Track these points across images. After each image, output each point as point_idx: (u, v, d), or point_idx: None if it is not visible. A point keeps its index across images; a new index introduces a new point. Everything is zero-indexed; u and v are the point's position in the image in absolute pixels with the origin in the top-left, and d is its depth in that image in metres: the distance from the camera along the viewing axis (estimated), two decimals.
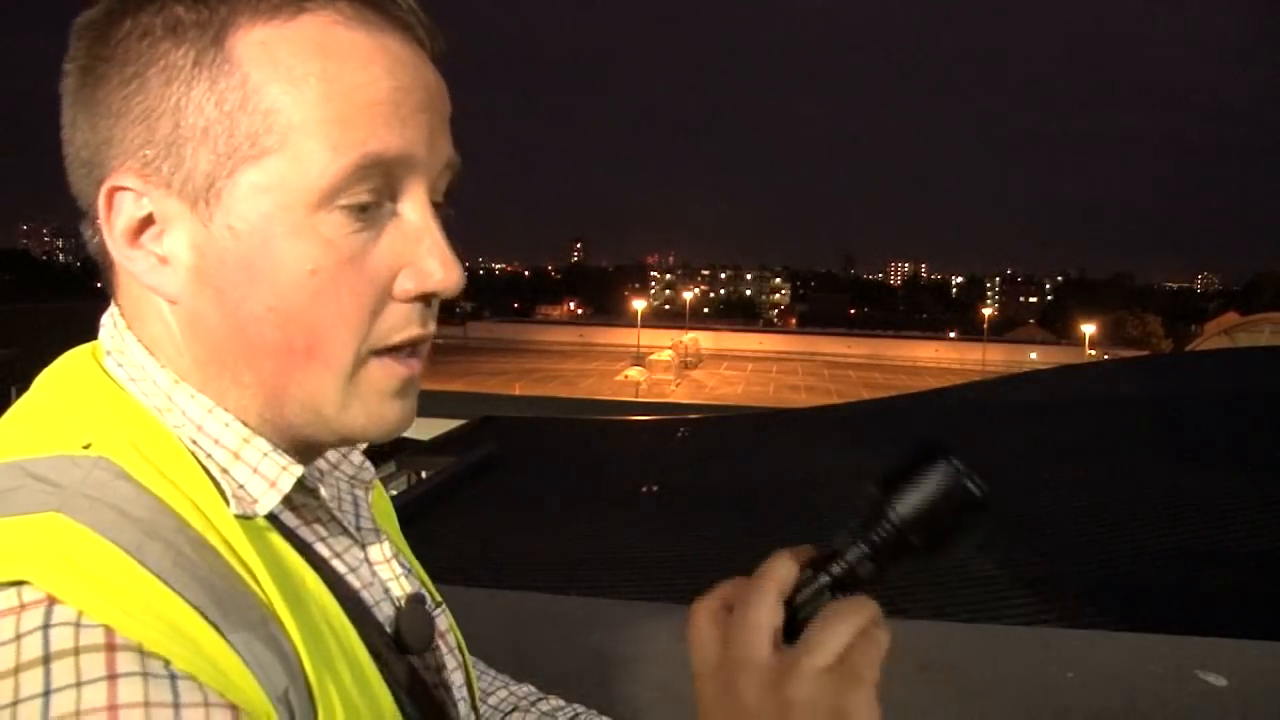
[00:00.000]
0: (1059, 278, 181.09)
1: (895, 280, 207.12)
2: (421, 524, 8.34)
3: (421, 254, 0.55)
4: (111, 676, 0.41)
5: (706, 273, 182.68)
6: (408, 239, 0.55)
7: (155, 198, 0.52)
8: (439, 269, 0.55)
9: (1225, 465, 8.89)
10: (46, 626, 0.42)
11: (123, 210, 0.53)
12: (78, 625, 0.42)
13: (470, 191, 0.61)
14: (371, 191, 0.53)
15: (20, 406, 0.56)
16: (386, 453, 13.54)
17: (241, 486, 0.54)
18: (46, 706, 0.40)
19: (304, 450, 0.58)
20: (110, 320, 0.58)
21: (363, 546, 0.63)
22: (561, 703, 0.88)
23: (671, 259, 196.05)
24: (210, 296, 0.53)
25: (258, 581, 0.50)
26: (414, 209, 0.55)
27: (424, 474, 12.93)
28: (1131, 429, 11.45)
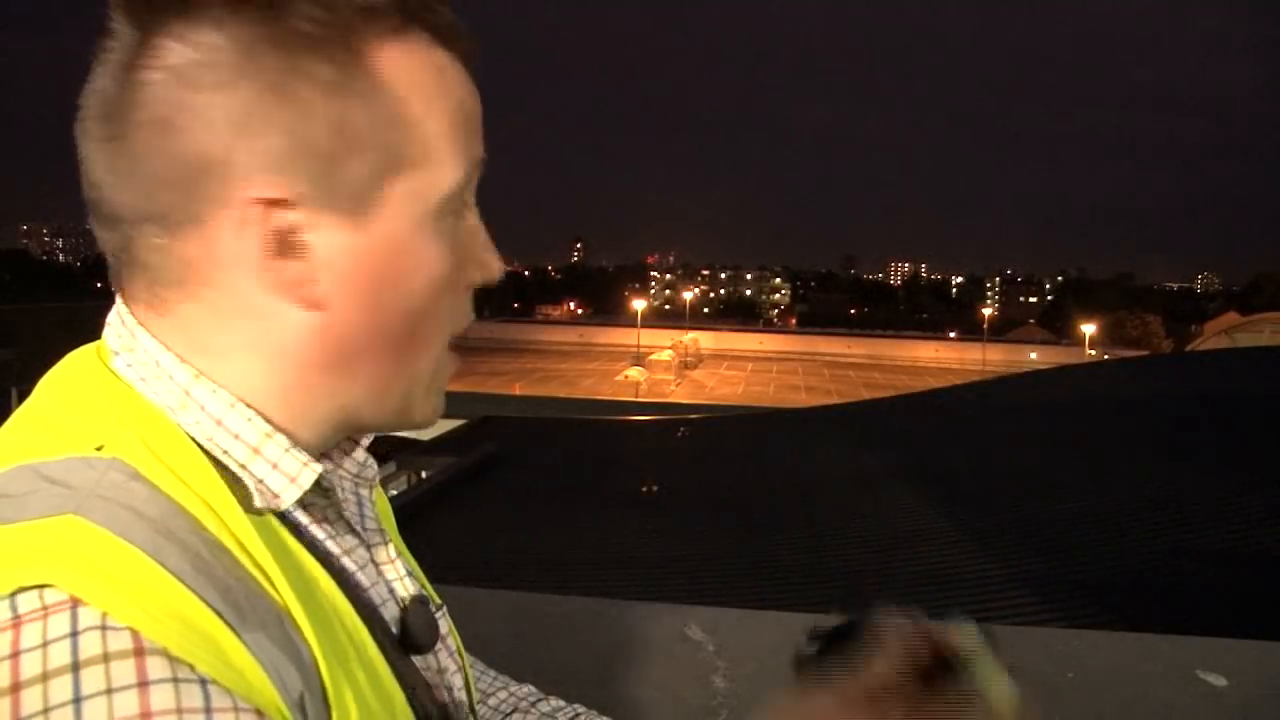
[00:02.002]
0: (1059, 278, 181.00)
1: (895, 280, 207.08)
2: (421, 524, 8.34)
3: (480, 248, 0.62)
4: (143, 684, 0.41)
5: (706, 273, 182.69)
6: (472, 235, 0.61)
7: (302, 206, 0.53)
8: (495, 260, 0.63)
9: (1225, 465, 8.89)
10: (74, 634, 0.42)
11: (265, 219, 0.52)
12: (104, 629, 0.42)
13: None
14: (469, 196, 0.60)
15: (26, 409, 0.56)
16: (386, 453, 13.53)
17: (261, 482, 0.55)
18: (78, 715, 0.40)
19: (329, 444, 0.60)
20: (118, 319, 0.57)
21: (368, 547, 0.64)
22: (562, 703, 0.88)
23: (671, 259, 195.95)
24: (353, 300, 0.55)
25: (271, 583, 0.50)
26: (473, 208, 0.62)
27: (424, 474, 12.94)
28: (1131, 429, 11.45)
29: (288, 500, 0.55)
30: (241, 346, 0.55)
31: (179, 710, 0.41)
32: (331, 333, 0.55)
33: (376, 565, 0.64)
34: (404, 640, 0.61)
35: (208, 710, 0.42)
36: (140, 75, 0.52)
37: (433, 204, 0.56)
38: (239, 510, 0.51)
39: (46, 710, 0.40)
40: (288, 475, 0.55)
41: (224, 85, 0.51)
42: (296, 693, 0.47)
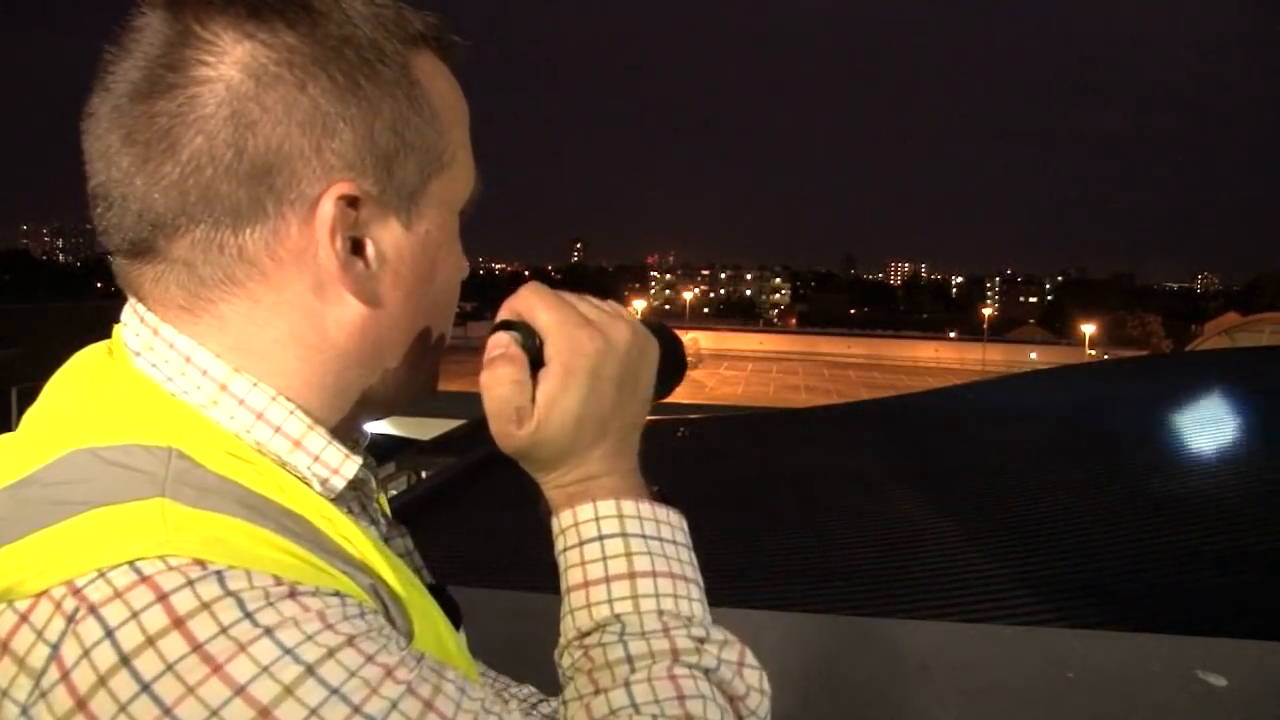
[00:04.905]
0: (1059, 278, 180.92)
1: (895, 280, 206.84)
2: (421, 524, 8.32)
3: (459, 248, 0.64)
4: (306, 609, 0.44)
5: (706, 273, 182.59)
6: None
7: (369, 204, 0.54)
8: (465, 259, 0.65)
9: (1225, 465, 8.89)
10: (230, 593, 0.43)
11: (337, 216, 0.53)
12: (250, 579, 0.44)
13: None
14: None
15: (47, 407, 0.55)
16: (386, 453, 13.53)
17: (302, 474, 0.55)
18: (282, 647, 0.43)
19: (345, 431, 0.61)
20: (136, 319, 0.56)
21: (387, 540, 0.65)
22: None
23: (671, 259, 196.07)
24: (400, 295, 0.57)
25: (351, 543, 0.52)
26: None
27: (424, 474, 12.94)
28: (1131, 428, 11.44)
29: (331, 492, 0.56)
30: (283, 342, 0.55)
31: (346, 618, 0.45)
32: (376, 328, 0.57)
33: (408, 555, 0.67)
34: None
35: (361, 614, 0.47)
36: (196, 70, 0.51)
37: (457, 205, 0.60)
38: (301, 487, 0.53)
39: (263, 668, 0.42)
40: (330, 467, 0.56)
41: (299, 83, 0.52)
42: (405, 634, 0.51)
